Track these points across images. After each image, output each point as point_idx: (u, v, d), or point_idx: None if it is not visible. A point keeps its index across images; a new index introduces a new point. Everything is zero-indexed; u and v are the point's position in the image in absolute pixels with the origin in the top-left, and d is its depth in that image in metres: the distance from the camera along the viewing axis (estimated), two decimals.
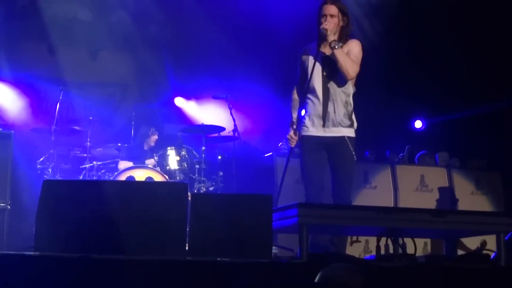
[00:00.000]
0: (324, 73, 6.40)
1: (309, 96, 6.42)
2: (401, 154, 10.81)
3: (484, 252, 6.15)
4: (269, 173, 9.67)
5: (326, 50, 6.42)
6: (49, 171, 8.98)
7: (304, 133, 6.48)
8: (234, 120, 9.42)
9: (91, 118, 9.40)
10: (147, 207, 4.99)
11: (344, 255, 6.08)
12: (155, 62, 11.18)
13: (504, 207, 10.46)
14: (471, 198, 10.45)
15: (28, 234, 8.75)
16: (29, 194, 9.18)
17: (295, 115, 6.59)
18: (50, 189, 5.03)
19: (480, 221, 5.81)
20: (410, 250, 5.65)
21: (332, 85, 6.39)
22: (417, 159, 10.78)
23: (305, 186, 6.49)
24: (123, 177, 8.80)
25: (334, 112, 6.37)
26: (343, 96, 6.42)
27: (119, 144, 9.34)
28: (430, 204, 10.01)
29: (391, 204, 9.85)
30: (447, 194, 10.38)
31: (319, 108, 6.39)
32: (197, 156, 9.48)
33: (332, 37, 6.32)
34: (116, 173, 8.96)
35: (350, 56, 6.39)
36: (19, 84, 10.52)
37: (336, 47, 6.30)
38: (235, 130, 9.45)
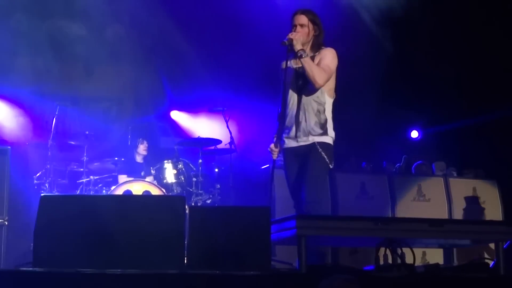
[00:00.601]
0: (297, 84, 6.41)
1: (286, 108, 6.43)
2: (398, 164, 10.83)
3: (483, 261, 6.14)
4: (266, 185, 9.65)
5: (297, 61, 6.44)
6: (46, 186, 8.96)
7: (284, 146, 6.52)
8: (230, 132, 9.43)
9: (87, 132, 9.40)
10: (145, 221, 4.98)
11: (343, 266, 6.07)
12: (151, 76, 11.20)
13: (502, 215, 10.47)
14: (468, 207, 10.44)
15: (26, 250, 8.74)
16: (27, 210, 9.16)
17: (278, 128, 6.58)
18: (48, 204, 5.02)
19: (478, 230, 5.81)
20: (408, 260, 5.64)
21: (304, 95, 6.38)
22: (414, 169, 10.79)
23: (292, 198, 6.53)
24: (120, 191, 8.79)
25: (305, 121, 6.35)
26: (315, 105, 6.37)
27: (116, 158, 9.35)
28: (428, 214, 10.01)
29: (389, 215, 9.85)
30: (445, 203, 10.39)
31: (293, 119, 6.40)
32: (194, 169, 9.49)
33: (298, 46, 6.31)
34: (113, 187, 8.95)
35: (321, 64, 6.36)
36: (15, 99, 10.52)
37: (303, 56, 6.29)
38: (231, 142, 9.46)
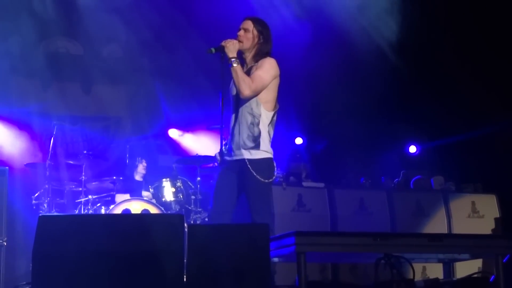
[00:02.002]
0: (233, 93, 6.20)
1: (228, 120, 6.22)
2: (396, 180, 10.83)
3: (483, 275, 6.13)
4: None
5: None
6: (44, 206, 8.95)
7: (222, 156, 6.20)
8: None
9: (85, 152, 9.41)
10: (143, 240, 4.97)
11: (343, 282, 6.06)
12: (148, 94, 11.21)
13: (501, 229, 10.46)
14: (467, 222, 10.45)
15: (25, 271, 8.74)
16: (25, 230, 9.18)
17: (222, 138, 6.21)
18: (46, 224, 5.01)
19: (477, 244, 5.80)
20: (408, 275, 5.63)
21: (240, 106, 6.10)
22: (413, 184, 10.79)
23: (211, 209, 6.23)
24: (119, 210, 8.78)
25: (239, 134, 6.06)
26: (249, 118, 6.05)
27: (114, 177, 9.33)
28: (427, 229, 10.01)
29: (388, 230, 9.83)
30: (444, 218, 10.39)
31: (231, 131, 6.17)
32: (193, 187, 9.49)
33: (230, 54, 6.04)
34: (111, 206, 8.95)
35: (253, 74, 6.05)
36: (13, 120, 10.53)
37: (233, 64, 6.01)
38: None
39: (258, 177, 6.01)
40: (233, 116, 6.18)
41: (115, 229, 5.01)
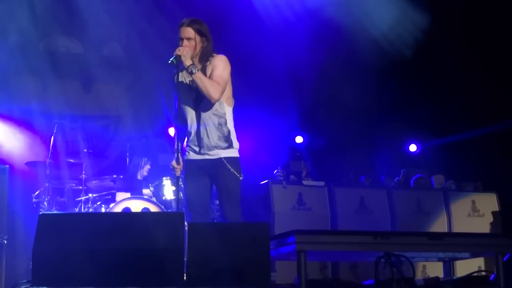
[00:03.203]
0: (192, 99, 6.17)
1: (186, 123, 6.20)
2: (397, 178, 10.83)
3: (483, 274, 6.13)
4: (265, 200, 9.67)
5: (188, 76, 6.20)
6: (45, 205, 8.96)
7: (185, 158, 6.26)
8: None
9: (85, 150, 9.42)
10: (143, 238, 4.97)
11: (343, 280, 6.06)
12: (149, 92, 11.19)
13: (501, 228, 10.47)
14: (468, 220, 10.46)
15: (25, 269, 8.74)
16: (25, 228, 9.18)
17: (176, 145, 6.30)
18: (46, 222, 5.01)
19: (477, 243, 5.81)
20: (408, 273, 5.63)
21: (201, 110, 6.13)
22: (413, 182, 10.79)
23: (187, 212, 6.24)
24: (119, 209, 8.78)
25: (208, 136, 6.12)
26: (215, 119, 6.12)
27: (115, 176, 9.32)
28: (427, 227, 10.02)
29: (389, 229, 9.84)
30: (444, 217, 10.39)
31: (194, 135, 6.18)
32: None
33: (188, 62, 6.03)
34: (112, 204, 8.94)
35: (213, 76, 6.08)
36: (13, 118, 10.53)
37: (194, 71, 6.01)
38: None
39: (236, 173, 6.14)
40: (193, 120, 6.18)
41: (115, 227, 5.02)
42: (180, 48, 6.08)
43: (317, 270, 9.37)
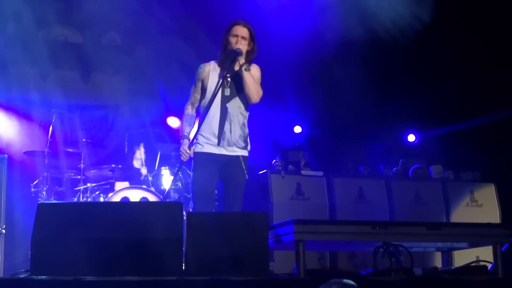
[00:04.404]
0: (225, 94, 6.33)
1: (206, 114, 6.31)
2: (395, 168, 10.83)
3: (481, 263, 6.14)
4: (264, 190, 9.68)
5: (230, 70, 6.35)
6: (43, 194, 8.96)
7: (197, 150, 6.38)
8: None
9: (84, 140, 9.42)
10: (142, 228, 4.98)
11: (342, 270, 6.07)
12: (147, 82, 11.19)
13: (500, 218, 10.48)
14: (466, 210, 10.47)
15: (24, 258, 8.75)
16: (24, 218, 9.18)
17: (188, 130, 6.50)
18: (45, 212, 5.02)
19: (476, 233, 5.83)
20: (406, 263, 5.64)
21: (231, 106, 6.32)
22: (411, 172, 10.79)
23: (195, 199, 6.38)
24: (117, 198, 8.78)
25: (230, 132, 6.30)
26: (241, 118, 6.37)
27: (113, 166, 9.32)
28: (426, 217, 10.02)
29: (387, 219, 9.85)
30: (442, 207, 10.40)
31: (215, 127, 6.30)
32: (191, 174, 9.47)
33: (243, 59, 6.28)
34: (110, 194, 8.95)
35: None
36: (12, 107, 10.53)
37: (248, 69, 6.28)
38: None
39: (246, 173, 6.38)
40: (216, 111, 6.32)
41: (113, 217, 5.03)
42: (241, 44, 6.29)
43: (316, 260, 9.38)
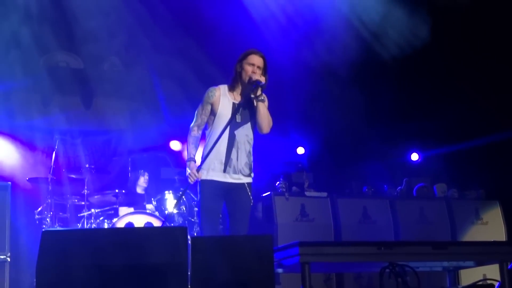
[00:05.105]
0: (236, 120, 6.35)
1: (214, 139, 6.31)
2: (399, 188, 10.82)
3: (488, 282, 6.12)
4: (268, 212, 9.67)
5: (239, 98, 6.41)
6: (47, 221, 8.95)
7: (203, 177, 6.37)
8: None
9: (87, 165, 9.41)
10: (147, 253, 4.96)
11: None
12: (149, 107, 11.21)
13: (506, 235, 10.45)
14: (471, 228, 10.44)
15: (29, 286, 8.73)
16: (28, 245, 9.17)
17: (194, 152, 6.45)
18: (50, 239, 5.00)
19: (482, 251, 5.80)
20: (413, 283, 5.61)
21: (239, 133, 6.35)
22: (416, 191, 10.78)
23: (203, 227, 6.37)
24: (122, 224, 8.77)
25: (237, 159, 6.33)
26: (248, 146, 6.41)
27: (117, 191, 9.31)
28: (431, 236, 9.99)
29: (392, 238, 9.82)
30: (448, 225, 10.37)
31: (222, 153, 6.32)
32: (195, 198, 9.46)
33: (259, 90, 6.29)
34: (115, 219, 8.93)
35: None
36: (15, 134, 10.54)
37: (265, 100, 6.35)
38: None
39: (251, 199, 6.40)
40: (226, 139, 6.33)
41: (118, 242, 5.01)
42: (258, 74, 6.31)
43: (322, 281, 9.35)
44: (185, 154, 11.42)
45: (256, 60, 6.38)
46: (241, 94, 6.42)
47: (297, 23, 10.27)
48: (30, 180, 9.48)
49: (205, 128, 6.55)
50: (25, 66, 10.22)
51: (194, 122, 6.52)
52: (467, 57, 10.52)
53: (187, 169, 6.40)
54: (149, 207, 9.51)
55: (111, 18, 10.10)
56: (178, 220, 9.25)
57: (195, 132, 6.52)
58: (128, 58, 11.01)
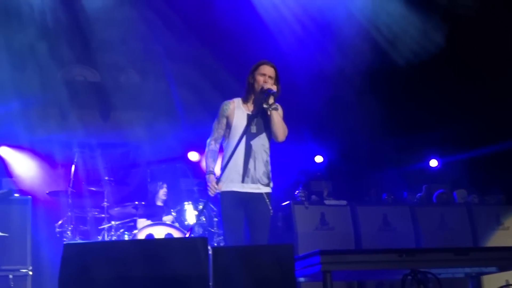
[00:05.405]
0: (251, 131, 6.42)
1: (231, 151, 6.36)
2: (419, 194, 10.78)
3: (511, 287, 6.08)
4: (288, 221, 9.66)
5: (253, 108, 6.48)
6: (68, 234, 8.97)
7: (223, 189, 6.42)
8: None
9: (106, 178, 9.43)
10: (168, 265, 4.96)
11: None
12: (166, 117, 11.23)
13: None
14: (493, 234, 10.37)
15: None
16: (50, 258, 9.20)
17: (213, 165, 6.51)
18: (71, 252, 5.02)
19: (504, 256, 5.76)
20: None
21: (255, 143, 6.41)
22: (435, 198, 10.73)
23: (227, 238, 6.43)
24: (142, 235, 8.78)
25: (255, 169, 6.39)
26: (265, 156, 6.46)
27: (136, 203, 9.32)
28: (452, 243, 9.94)
29: (413, 245, 9.78)
30: (469, 231, 10.31)
31: (240, 164, 6.38)
32: (215, 209, 9.46)
33: (272, 99, 6.35)
34: (135, 231, 8.95)
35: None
36: (34, 149, 10.59)
37: (276, 109, 6.39)
38: None
39: (271, 209, 6.42)
40: (243, 150, 6.40)
41: (139, 254, 5.02)
42: (270, 84, 6.39)
43: None
44: (203, 165, 11.46)
45: (267, 70, 6.46)
46: (255, 105, 6.47)
47: (312, 32, 10.27)
48: (50, 193, 9.52)
49: (222, 141, 6.60)
50: (42, 81, 10.27)
51: (211, 136, 6.60)
52: (486, 62, 10.48)
53: (207, 182, 6.45)
54: (167, 218, 9.52)
55: (126, 30, 10.15)
56: (198, 231, 9.26)
57: (212, 146, 6.59)
58: (144, 69, 11.04)
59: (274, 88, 6.36)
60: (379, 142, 11.31)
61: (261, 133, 6.43)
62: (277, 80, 6.48)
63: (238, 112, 6.49)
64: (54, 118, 10.88)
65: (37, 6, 9.62)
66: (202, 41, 10.64)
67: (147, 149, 11.40)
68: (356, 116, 10.89)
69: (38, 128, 10.50)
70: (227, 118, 6.50)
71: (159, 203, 9.97)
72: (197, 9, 9.98)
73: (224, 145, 6.57)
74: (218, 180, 6.38)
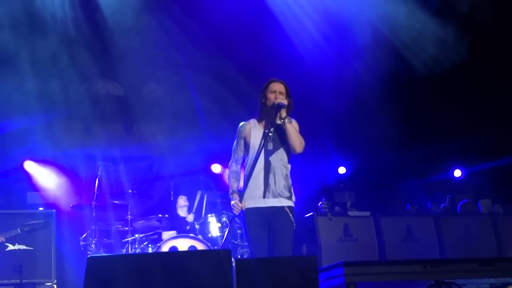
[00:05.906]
0: (268, 148, 6.49)
1: (250, 169, 6.45)
2: (443, 205, 10.73)
3: None
4: (311, 232, 9.64)
5: (272, 125, 6.51)
6: (92, 247, 9.01)
7: (247, 206, 6.50)
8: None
9: (130, 191, 9.46)
10: (192, 277, 4.97)
11: None
12: (189, 130, 11.25)
13: None
14: None
15: None
16: (74, 271, 9.24)
17: (235, 185, 6.61)
18: (95, 265, 5.04)
19: None
20: None
21: (274, 159, 6.49)
22: (460, 208, 10.68)
23: (253, 254, 6.48)
24: (166, 248, 8.79)
25: (275, 184, 6.46)
26: (284, 170, 6.53)
27: (160, 215, 9.34)
28: (477, 253, 9.88)
29: (437, 256, 9.74)
30: (494, 241, 10.24)
31: (260, 181, 6.46)
32: (238, 221, 9.45)
33: (284, 112, 6.44)
34: (158, 244, 8.96)
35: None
36: (58, 163, 10.66)
37: (291, 121, 6.45)
38: None
39: (293, 222, 6.47)
40: (262, 166, 6.48)
41: (163, 267, 5.02)
42: (281, 98, 6.47)
43: None
44: (226, 177, 11.47)
45: (277, 86, 6.56)
46: (269, 122, 6.54)
47: (334, 43, 10.27)
48: (74, 207, 9.57)
49: (243, 162, 6.70)
50: (66, 95, 10.35)
51: (232, 158, 6.72)
52: (510, 70, 10.43)
53: (231, 201, 6.54)
54: (190, 217, 9.57)
55: (148, 44, 10.20)
56: (221, 243, 9.25)
57: (234, 168, 6.70)
58: (166, 81, 11.08)
59: (285, 101, 6.44)
60: (403, 152, 11.28)
61: (278, 149, 6.50)
62: (288, 95, 6.56)
63: (255, 131, 6.59)
64: (78, 132, 10.96)
65: (60, 21, 9.70)
66: (224, 53, 10.68)
67: (170, 161, 11.43)
68: (379, 127, 10.87)
69: (62, 142, 10.57)
70: (245, 139, 6.62)
71: (182, 213, 9.98)
72: (220, 21, 10.01)
73: (245, 165, 6.66)
74: (241, 198, 6.45)
